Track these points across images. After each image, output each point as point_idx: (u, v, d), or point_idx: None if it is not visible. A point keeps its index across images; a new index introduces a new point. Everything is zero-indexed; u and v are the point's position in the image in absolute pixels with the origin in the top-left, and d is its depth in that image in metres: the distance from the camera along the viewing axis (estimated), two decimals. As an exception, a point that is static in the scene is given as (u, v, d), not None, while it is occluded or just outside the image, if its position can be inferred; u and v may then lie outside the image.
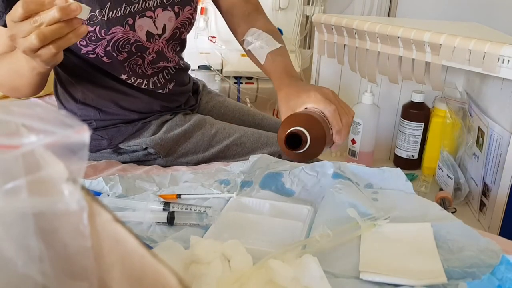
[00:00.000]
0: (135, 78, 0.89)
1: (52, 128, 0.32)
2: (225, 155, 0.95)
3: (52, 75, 0.94)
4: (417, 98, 1.20)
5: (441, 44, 0.97)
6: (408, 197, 0.72)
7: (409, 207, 0.69)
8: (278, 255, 0.52)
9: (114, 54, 0.83)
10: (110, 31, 0.81)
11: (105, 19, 0.80)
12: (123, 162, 0.92)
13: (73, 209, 0.32)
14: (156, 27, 0.87)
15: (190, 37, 1.41)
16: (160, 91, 0.93)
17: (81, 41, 0.80)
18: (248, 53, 0.93)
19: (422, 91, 1.20)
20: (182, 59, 1.01)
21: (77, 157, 0.33)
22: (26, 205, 0.32)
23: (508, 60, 0.87)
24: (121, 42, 0.83)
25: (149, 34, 0.86)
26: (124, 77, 0.88)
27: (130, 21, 0.82)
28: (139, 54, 0.87)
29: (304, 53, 1.55)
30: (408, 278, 0.52)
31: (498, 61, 0.89)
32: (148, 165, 0.91)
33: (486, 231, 0.85)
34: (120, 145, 0.91)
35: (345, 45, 1.19)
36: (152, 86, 0.92)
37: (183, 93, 1.00)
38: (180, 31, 0.92)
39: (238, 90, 1.51)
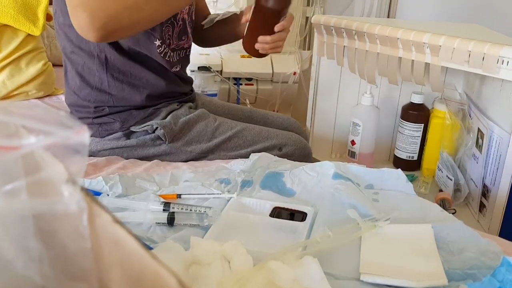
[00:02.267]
0: (165, 46, 0.93)
1: (51, 129, 0.32)
2: (226, 147, 0.97)
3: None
4: (417, 99, 1.20)
5: (440, 46, 0.97)
6: (408, 198, 0.72)
7: (410, 208, 0.69)
8: (278, 256, 0.52)
9: None
10: None
11: None
12: (129, 147, 0.93)
13: (73, 210, 0.32)
14: None
15: (189, 38, 1.42)
16: (173, 69, 0.98)
17: None
18: (205, 34, 1.09)
19: (422, 92, 1.20)
20: None
21: (77, 158, 0.33)
22: (25, 206, 0.32)
23: (508, 61, 0.87)
24: None
25: None
26: (157, 43, 0.91)
27: None
28: (171, 20, 0.93)
29: (303, 54, 1.55)
30: (408, 280, 0.52)
31: (497, 62, 0.89)
32: (152, 154, 0.93)
33: (485, 232, 0.85)
34: (132, 128, 0.94)
35: (344, 46, 1.19)
36: (172, 59, 0.97)
37: (186, 81, 1.05)
38: (191, 8, 0.99)
39: (238, 91, 1.51)
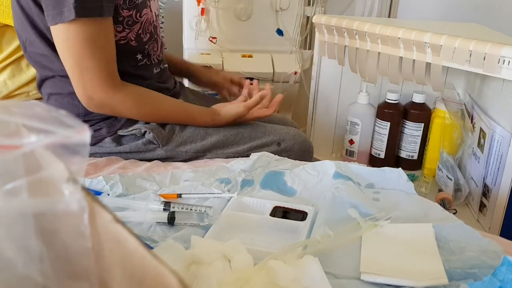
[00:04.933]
0: (146, 60, 0.96)
1: (52, 128, 0.32)
2: (223, 144, 0.95)
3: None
4: (418, 99, 1.19)
5: (441, 45, 0.97)
6: (409, 197, 0.72)
7: (411, 207, 0.69)
8: (279, 255, 0.52)
9: (142, 36, 0.91)
10: (142, 13, 0.89)
11: (139, 2, 0.87)
12: (124, 153, 0.92)
13: (74, 209, 0.32)
14: (155, 7, 0.98)
15: (190, 37, 1.42)
16: (155, 70, 0.99)
17: (117, 27, 0.86)
18: None
19: (423, 92, 1.20)
20: None
21: (78, 157, 0.33)
22: (26, 205, 0.32)
23: (509, 61, 0.87)
24: (147, 24, 0.92)
25: (154, 14, 0.96)
26: (139, 56, 0.94)
27: (148, 2, 0.92)
28: (155, 36, 0.95)
29: (304, 54, 1.54)
30: (409, 279, 0.52)
31: (498, 62, 0.89)
32: (149, 159, 0.92)
33: (485, 232, 0.85)
34: (119, 132, 0.92)
35: (345, 46, 1.19)
36: (153, 62, 0.98)
37: (168, 77, 1.06)
38: (157, 13, 1.03)
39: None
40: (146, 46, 0.93)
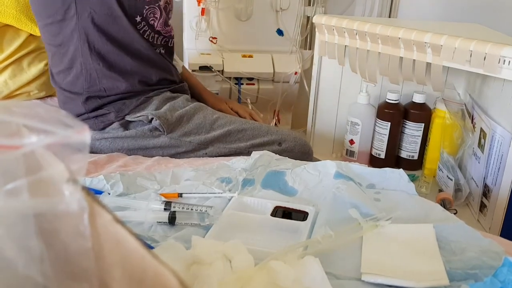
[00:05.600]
0: (145, 23, 0.97)
1: (52, 128, 0.32)
2: (226, 139, 0.98)
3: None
4: (418, 99, 1.19)
5: (441, 45, 0.97)
6: (410, 198, 0.72)
7: (411, 208, 0.69)
8: (279, 256, 0.52)
9: None
10: None
11: None
12: (130, 137, 0.94)
13: (74, 210, 0.32)
14: None
15: (191, 37, 1.42)
16: (157, 50, 1.01)
17: None
18: None
19: (424, 92, 1.20)
20: None
21: (78, 157, 0.33)
22: (27, 205, 0.32)
23: (509, 61, 0.87)
24: None
25: None
26: (138, 19, 0.95)
27: None
28: (159, 4, 0.97)
29: (304, 54, 1.54)
30: (409, 280, 0.52)
31: (499, 62, 0.89)
32: (153, 146, 0.94)
33: (485, 232, 0.85)
34: (127, 117, 0.95)
35: (346, 46, 1.19)
36: (154, 41, 1.00)
37: (175, 69, 1.08)
38: (169, 7, 1.04)
39: (239, 91, 1.51)
40: (146, 7, 0.95)
